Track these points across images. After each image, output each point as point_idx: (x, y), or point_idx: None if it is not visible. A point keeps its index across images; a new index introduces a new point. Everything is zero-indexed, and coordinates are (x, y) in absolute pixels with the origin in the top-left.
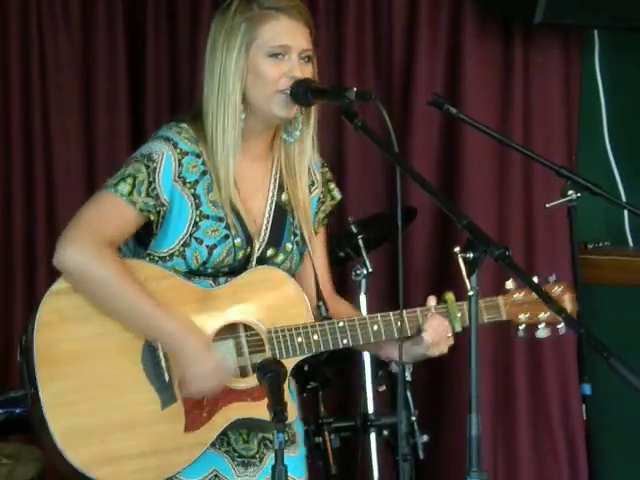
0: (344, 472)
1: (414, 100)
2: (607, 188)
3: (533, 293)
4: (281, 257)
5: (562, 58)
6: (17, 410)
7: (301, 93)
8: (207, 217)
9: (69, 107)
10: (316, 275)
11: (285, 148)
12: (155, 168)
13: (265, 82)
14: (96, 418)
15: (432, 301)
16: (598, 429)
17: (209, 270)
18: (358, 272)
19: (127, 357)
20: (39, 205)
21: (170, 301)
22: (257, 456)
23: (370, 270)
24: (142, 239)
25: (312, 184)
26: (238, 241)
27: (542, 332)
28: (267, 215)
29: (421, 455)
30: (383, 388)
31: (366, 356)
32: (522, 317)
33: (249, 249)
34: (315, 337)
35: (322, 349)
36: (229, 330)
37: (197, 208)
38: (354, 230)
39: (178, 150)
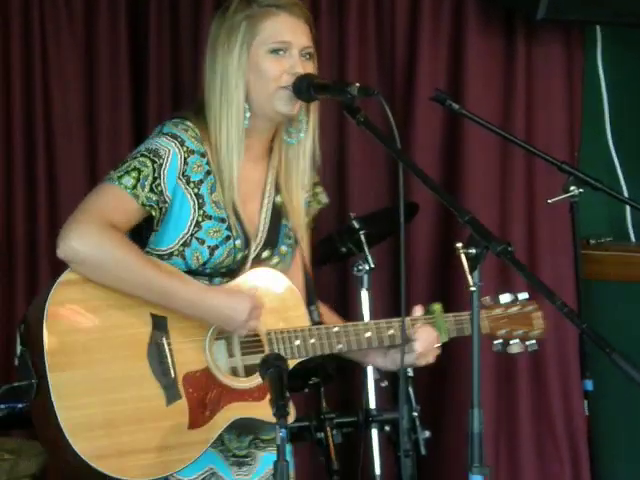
0: (346, 468)
1: (416, 96)
2: (609, 184)
3: (511, 309)
4: (276, 259)
5: (564, 53)
6: (19, 405)
7: (304, 88)
8: (210, 217)
9: (71, 103)
10: (309, 279)
11: (285, 150)
12: (161, 164)
13: (267, 79)
14: (103, 411)
15: (419, 311)
16: (600, 425)
17: (207, 270)
18: (360, 268)
19: (134, 351)
20: (41, 202)
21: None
22: (249, 455)
23: (372, 266)
24: (143, 234)
25: (304, 185)
26: (238, 242)
27: (515, 347)
28: (264, 217)
29: (423, 451)
30: (385, 384)
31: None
32: (500, 332)
33: (247, 251)
34: (312, 341)
35: (318, 353)
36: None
37: (200, 208)
38: (356, 226)
39: (185, 148)
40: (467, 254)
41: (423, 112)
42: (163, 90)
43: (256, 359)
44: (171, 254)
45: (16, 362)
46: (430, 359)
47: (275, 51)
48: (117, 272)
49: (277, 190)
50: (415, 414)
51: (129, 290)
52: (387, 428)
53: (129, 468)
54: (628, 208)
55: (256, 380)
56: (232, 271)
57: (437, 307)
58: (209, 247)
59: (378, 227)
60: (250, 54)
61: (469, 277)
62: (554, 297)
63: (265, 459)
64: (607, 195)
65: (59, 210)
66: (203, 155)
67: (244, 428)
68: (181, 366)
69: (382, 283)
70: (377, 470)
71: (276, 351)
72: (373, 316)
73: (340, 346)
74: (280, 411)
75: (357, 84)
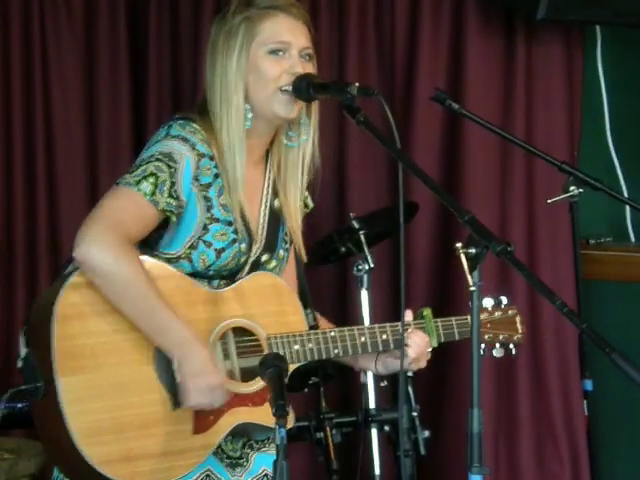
0: (345, 467)
1: (416, 95)
2: (609, 184)
3: (495, 313)
4: (274, 263)
5: (564, 53)
6: (19, 405)
7: (303, 88)
8: (217, 220)
9: (71, 103)
10: (304, 283)
11: (285, 153)
12: (177, 169)
13: (266, 80)
14: (111, 416)
15: (409, 316)
16: (600, 425)
17: (210, 273)
18: (360, 268)
19: (140, 356)
20: (40, 201)
21: (177, 301)
22: (242, 456)
23: (372, 266)
24: (149, 238)
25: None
26: (243, 246)
27: (498, 351)
28: (262, 221)
29: (422, 451)
30: (384, 383)
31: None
32: (486, 337)
33: (249, 254)
34: (310, 345)
35: (316, 358)
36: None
37: (208, 211)
38: (356, 225)
39: (196, 152)
40: (467, 254)
41: (423, 112)
42: (163, 90)
43: (253, 362)
44: (179, 257)
45: (19, 364)
46: (422, 364)
47: (274, 52)
48: (123, 291)
49: (274, 194)
50: (415, 414)
51: (125, 310)
52: (387, 428)
53: (136, 474)
54: (628, 208)
55: (257, 384)
56: (233, 274)
57: (427, 312)
58: (216, 250)
59: (378, 227)
60: (249, 55)
61: (469, 277)
62: (554, 297)
63: (259, 459)
64: (607, 195)
65: (59, 210)
66: (212, 158)
67: (250, 432)
68: (178, 377)
69: (382, 283)
70: (377, 470)
71: None
72: (373, 316)
73: (337, 351)
74: (280, 411)
75: (357, 84)
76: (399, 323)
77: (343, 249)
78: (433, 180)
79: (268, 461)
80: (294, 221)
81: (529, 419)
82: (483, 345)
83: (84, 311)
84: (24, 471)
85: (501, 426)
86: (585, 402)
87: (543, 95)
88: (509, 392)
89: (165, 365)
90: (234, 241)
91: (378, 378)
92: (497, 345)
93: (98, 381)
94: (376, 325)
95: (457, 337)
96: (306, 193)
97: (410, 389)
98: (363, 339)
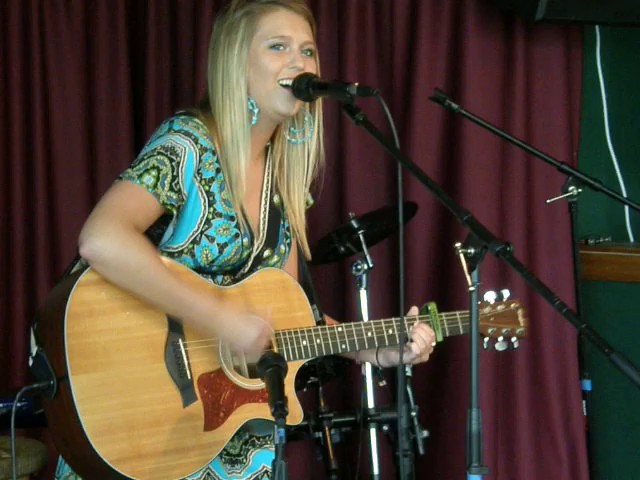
0: (344, 467)
1: (415, 95)
2: (608, 184)
3: (498, 307)
4: (275, 258)
5: (563, 54)
6: (18, 404)
7: (303, 87)
8: (220, 215)
9: (70, 101)
10: (308, 279)
11: (288, 150)
12: (179, 163)
13: (267, 74)
14: (123, 413)
15: (414, 311)
16: (598, 425)
17: (214, 268)
18: (359, 267)
19: (151, 353)
20: (39, 201)
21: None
22: (242, 453)
23: (371, 265)
24: (151, 234)
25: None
26: (246, 240)
27: (501, 345)
28: (263, 216)
29: (421, 450)
30: (383, 383)
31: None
32: (489, 330)
33: (251, 249)
34: (318, 341)
35: (324, 353)
36: None
37: (210, 205)
38: (355, 225)
39: (199, 146)
40: (466, 254)
41: (422, 112)
42: (162, 88)
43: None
44: (181, 252)
45: (30, 362)
46: (425, 358)
47: (275, 46)
48: (140, 276)
49: (275, 190)
50: (413, 414)
51: (147, 295)
52: (385, 428)
53: (149, 471)
54: (627, 208)
55: None
56: (236, 269)
57: (432, 306)
58: (218, 245)
59: (377, 227)
60: (250, 50)
61: (468, 277)
62: (553, 297)
63: (259, 456)
64: (606, 195)
65: (58, 206)
66: (214, 153)
67: (259, 428)
68: (196, 367)
69: (381, 283)
70: (375, 470)
71: (284, 351)
72: (372, 316)
73: (344, 346)
74: (278, 410)
75: (356, 83)
76: (405, 317)
77: (342, 249)
78: (432, 180)
79: (268, 458)
80: (298, 219)
81: (528, 419)
82: (486, 339)
83: (95, 309)
84: (23, 470)
85: (500, 426)
86: (584, 402)
87: (542, 95)
88: (508, 392)
89: (175, 362)
90: (237, 236)
91: (377, 378)
92: (500, 339)
93: (110, 379)
94: (382, 320)
95: (462, 331)
96: (305, 190)
97: (409, 389)
98: (370, 334)
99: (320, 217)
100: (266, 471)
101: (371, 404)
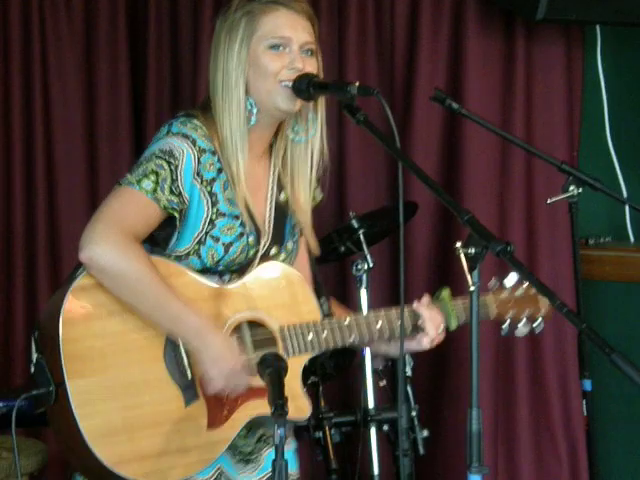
0: (344, 467)
1: (416, 95)
2: (608, 184)
3: (517, 291)
4: (283, 256)
5: (564, 53)
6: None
7: (303, 87)
8: (223, 215)
9: (70, 100)
10: (316, 272)
11: (291, 148)
12: (177, 165)
13: (266, 75)
14: (122, 416)
15: (426, 299)
16: (598, 425)
17: (220, 267)
18: (359, 267)
19: (150, 355)
20: (40, 201)
21: (185, 298)
22: (255, 452)
23: (371, 265)
24: (157, 238)
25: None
26: (251, 239)
27: (523, 329)
28: (268, 214)
29: (421, 450)
30: (384, 383)
31: (367, 351)
32: (508, 315)
33: (258, 248)
34: (325, 334)
35: (331, 347)
36: (240, 329)
37: (214, 206)
38: (355, 225)
39: (197, 148)
40: (466, 254)
41: (423, 112)
42: (162, 88)
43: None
44: (188, 254)
45: (32, 369)
46: (434, 343)
47: (274, 47)
48: (136, 286)
49: (280, 187)
50: (414, 413)
51: (141, 307)
52: (385, 427)
53: (151, 472)
54: (627, 208)
55: None
56: (242, 267)
57: (445, 293)
58: (224, 244)
59: (377, 226)
60: (250, 50)
61: (468, 277)
62: (553, 297)
63: (271, 455)
64: (606, 195)
65: (58, 208)
66: (214, 153)
67: (265, 425)
68: (197, 366)
69: (381, 282)
70: (375, 469)
71: (290, 346)
72: None
73: (353, 338)
74: (278, 410)
75: (357, 83)
76: (414, 305)
77: (342, 248)
78: (433, 180)
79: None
80: (304, 215)
81: (528, 419)
82: (505, 325)
83: (91, 313)
84: (24, 470)
85: (500, 426)
86: (584, 402)
87: (543, 95)
88: (508, 392)
89: (175, 362)
90: (241, 234)
91: (377, 378)
92: (520, 324)
93: (108, 382)
94: (392, 309)
95: (481, 318)
96: (314, 185)
97: (409, 389)
98: (379, 325)
99: (321, 217)
100: None
101: (371, 404)
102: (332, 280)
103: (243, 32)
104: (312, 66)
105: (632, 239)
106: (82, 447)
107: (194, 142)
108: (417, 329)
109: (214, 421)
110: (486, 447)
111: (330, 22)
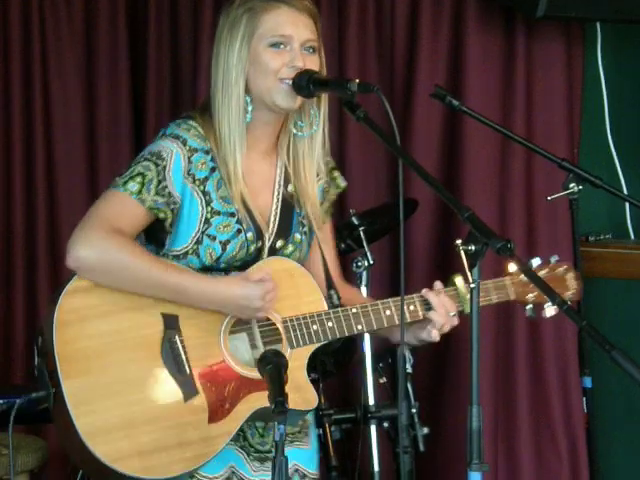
0: (345, 464)
1: (416, 92)
2: (609, 181)
3: (540, 272)
4: (290, 248)
5: (564, 51)
6: (17, 400)
7: (303, 84)
8: (218, 213)
9: (70, 98)
10: (326, 263)
11: (295, 143)
12: (165, 166)
13: (266, 72)
14: (120, 413)
15: (439, 285)
16: (599, 422)
17: (222, 265)
18: (359, 264)
19: (147, 352)
20: (40, 198)
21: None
22: (271, 450)
23: (371, 262)
24: (153, 238)
25: (316, 175)
26: (250, 235)
27: (549, 311)
28: (275, 207)
29: (421, 447)
30: (384, 380)
31: (367, 348)
32: (529, 297)
33: (260, 242)
34: (330, 324)
35: (337, 336)
36: (243, 323)
37: (208, 205)
38: (355, 222)
39: (187, 147)
40: (466, 251)
41: (423, 109)
42: (162, 88)
43: (278, 348)
44: (186, 253)
45: (36, 373)
46: (446, 328)
47: (275, 45)
48: (127, 275)
49: (288, 181)
50: (414, 410)
51: (141, 291)
52: (386, 424)
53: (151, 467)
54: (627, 205)
55: None
56: (247, 264)
57: (459, 279)
58: (221, 242)
59: (377, 223)
60: (251, 48)
61: (468, 274)
62: (553, 294)
63: (289, 453)
64: (607, 192)
65: (58, 207)
66: (207, 152)
67: (269, 418)
68: (196, 362)
69: (381, 279)
70: (376, 466)
71: (294, 338)
72: None
73: (360, 327)
74: (279, 407)
75: (357, 80)
76: (423, 291)
77: (343, 245)
78: (433, 177)
79: (299, 456)
80: (312, 207)
81: (528, 416)
82: (529, 307)
83: (84, 315)
84: (23, 466)
85: (500, 423)
86: (584, 399)
87: (543, 92)
88: (508, 389)
89: (173, 358)
90: (239, 231)
91: (377, 375)
92: (547, 305)
93: (103, 381)
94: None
95: (495, 300)
96: (337, 173)
97: (409, 386)
98: (388, 312)
99: None
100: (297, 469)
101: (371, 401)
102: None
103: (244, 29)
104: (314, 63)
105: (632, 236)
106: (81, 446)
107: (185, 142)
108: (427, 319)
109: (215, 415)
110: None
111: (330, 20)
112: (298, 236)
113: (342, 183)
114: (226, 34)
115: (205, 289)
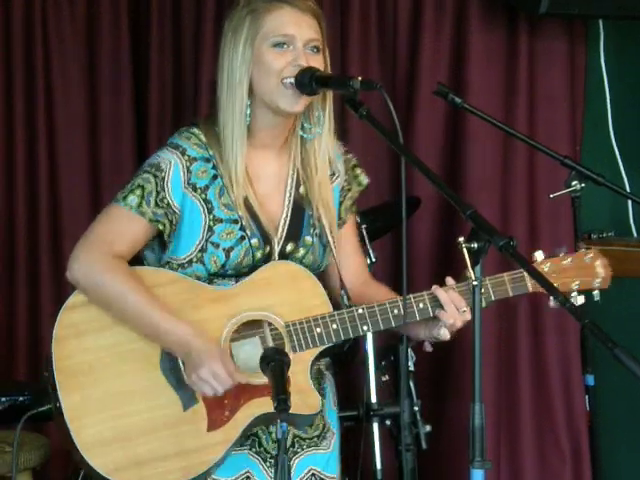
0: (347, 461)
1: (418, 90)
2: (611, 178)
3: (562, 262)
4: (302, 251)
5: (567, 48)
6: (20, 398)
7: (306, 81)
8: (220, 221)
9: (72, 97)
10: (337, 265)
11: (303, 145)
12: (164, 178)
13: (270, 72)
14: (116, 424)
15: (450, 281)
16: (601, 420)
17: (229, 272)
18: None
19: (145, 363)
20: (42, 196)
21: (182, 305)
22: (289, 457)
23: (373, 260)
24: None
25: (332, 174)
26: (255, 241)
27: (576, 299)
28: (285, 210)
29: (424, 445)
30: (386, 378)
31: (369, 346)
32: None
33: (268, 248)
34: (334, 326)
35: (342, 338)
36: (253, 327)
37: (210, 212)
38: (357, 220)
39: (186, 157)
40: (469, 248)
41: (425, 106)
42: (164, 86)
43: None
44: (190, 261)
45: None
46: (458, 325)
47: (278, 45)
48: (114, 302)
49: (299, 183)
50: (416, 408)
51: (124, 319)
52: (388, 422)
53: (149, 477)
54: (630, 203)
55: None
56: (255, 270)
57: (471, 274)
58: (224, 250)
59: (379, 221)
60: (254, 49)
61: (471, 271)
62: (556, 292)
63: (303, 462)
64: (609, 190)
65: (60, 204)
66: (207, 160)
67: (271, 423)
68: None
69: (383, 277)
70: (378, 464)
71: (296, 342)
72: None
73: (366, 327)
74: (280, 405)
75: (359, 77)
76: (432, 288)
77: None
78: (435, 174)
79: (315, 460)
80: (324, 209)
81: (530, 414)
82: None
83: (82, 329)
84: (26, 464)
85: (502, 421)
86: (586, 397)
87: (546, 89)
88: (510, 387)
89: (172, 369)
90: (242, 238)
91: (379, 372)
92: (574, 294)
93: (99, 394)
94: (411, 295)
95: (511, 293)
96: (359, 170)
97: (412, 384)
98: (396, 311)
99: None
100: (313, 474)
101: (374, 399)
102: None
103: (247, 31)
104: (317, 63)
105: (635, 234)
106: (80, 458)
107: (184, 152)
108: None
109: (214, 423)
110: (488, 442)
111: (333, 17)
112: (309, 239)
113: (364, 180)
114: (230, 36)
115: (180, 338)
